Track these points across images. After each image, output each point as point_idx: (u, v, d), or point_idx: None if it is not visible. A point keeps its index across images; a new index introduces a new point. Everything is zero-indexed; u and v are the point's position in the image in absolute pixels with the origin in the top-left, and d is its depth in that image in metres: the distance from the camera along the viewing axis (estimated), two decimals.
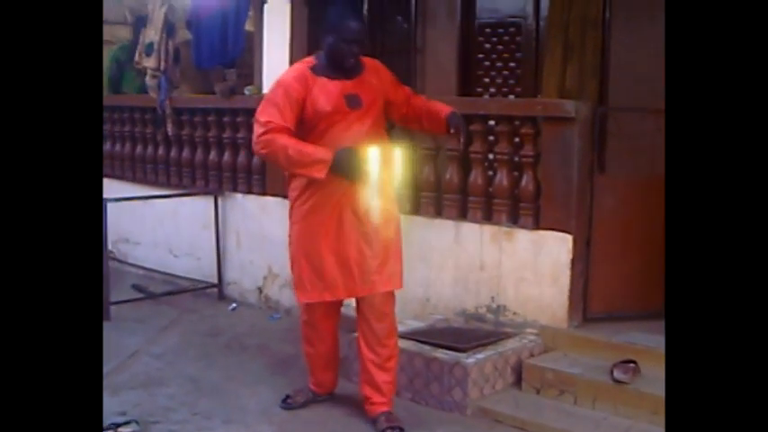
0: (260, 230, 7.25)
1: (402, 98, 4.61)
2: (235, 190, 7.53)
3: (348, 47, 4.29)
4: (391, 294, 4.50)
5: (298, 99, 4.29)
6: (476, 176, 5.90)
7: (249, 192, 7.41)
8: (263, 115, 4.25)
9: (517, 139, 5.77)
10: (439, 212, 6.05)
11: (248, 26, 7.42)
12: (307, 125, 4.32)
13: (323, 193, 4.33)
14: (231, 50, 7.23)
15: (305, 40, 6.89)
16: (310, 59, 4.44)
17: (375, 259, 4.35)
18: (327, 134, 4.32)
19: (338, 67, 4.35)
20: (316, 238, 4.38)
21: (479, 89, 6.82)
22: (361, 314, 4.50)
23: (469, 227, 5.82)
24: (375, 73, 4.48)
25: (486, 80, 6.87)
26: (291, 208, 4.53)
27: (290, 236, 4.56)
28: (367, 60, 4.50)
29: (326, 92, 4.31)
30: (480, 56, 6.88)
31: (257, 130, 4.26)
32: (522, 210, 5.64)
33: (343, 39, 4.27)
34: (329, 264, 4.35)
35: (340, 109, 4.32)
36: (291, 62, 6.76)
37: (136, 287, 7.69)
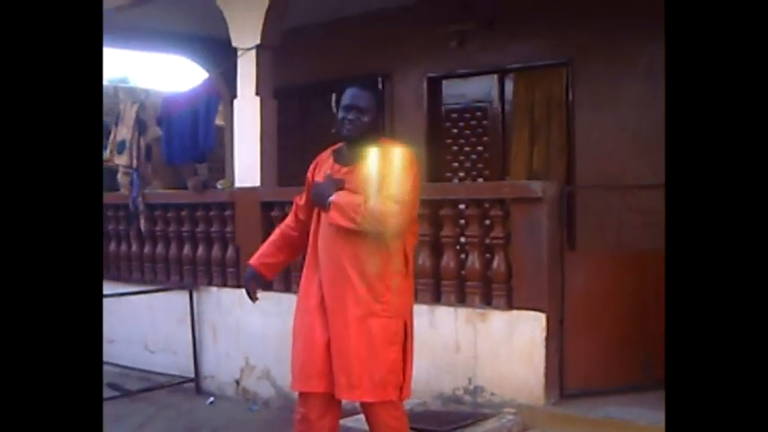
0: (236, 323, 7.26)
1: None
2: (210, 283, 7.55)
3: (344, 113, 4.10)
4: (385, 405, 4.10)
5: (308, 181, 4.33)
6: (448, 260, 5.93)
7: (224, 285, 7.45)
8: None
9: (487, 222, 5.84)
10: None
11: (218, 121, 7.55)
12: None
13: (311, 265, 4.27)
14: (202, 146, 7.37)
15: (274, 132, 7.01)
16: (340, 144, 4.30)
17: (357, 358, 4.03)
18: (318, 226, 4.25)
19: (348, 144, 4.17)
20: (302, 320, 4.21)
21: (449, 174, 6.96)
22: (366, 419, 4.22)
23: (444, 310, 5.84)
24: (384, 160, 4.06)
25: (455, 164, 7.02)
26: None
27: None
28: (388, 145, 4.15)
29: (323, 174, 4.23)
30: (448, 141, 7.06)
31: None
32: (495, 291, 5.68)
33: (342, 105, 4.12)
34: (307, 350, 4.15)
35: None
36: (262, 155, 6.89)
37: (111, 385, 7.64)
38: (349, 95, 4.11)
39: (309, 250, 4.26)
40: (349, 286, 4.05)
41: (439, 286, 5.98)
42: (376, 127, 4.16)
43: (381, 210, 3.97)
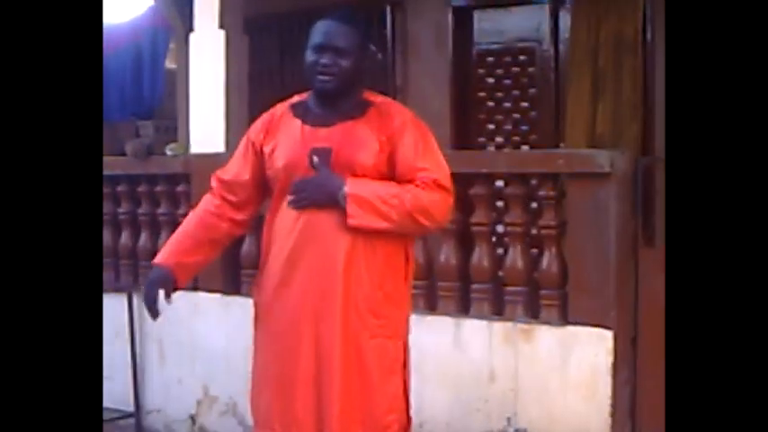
0: (191, 338, 7.20)
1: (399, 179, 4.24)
2: None
3: (316, 55, 4.15)
4: None
5: (255, 146, 4.37)
6: (480, 256, 5.94)
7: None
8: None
9: (534, 205, 5.91)
10: (432, 306, 6.10)
11: (169, 63, 7.45)
12: (269, 188, 4.36)
13: (275, 273, 4.33)
14: (147, 97, 7.27)
15: (245, 79, 6.99)
16: (305, 94, 4.40)
17: (347, 395, 4.14)
18: (281, 210, 4.30)
19: (320, 98, 4.26)
20: (273, 347, 4.35)
21: (481, 139, 6.93)
22: None
23: (474, 325, 5.87)
24: (383, 121, 4.23)
25: (491, 126, 6.98)
26: None
27: None
28: (381, 101, 4.32)
29: (291, 139, 4.27)
30: (481, 94, 7.00)
31: None
32: (545, 299, 5.71)
33: (311, 46, 4.17)
34: (285, 387, 4.26)
35: (299, 167, 4.23)
36: (228, 110, 6.94)
37: None
38: (322, 31, 4.15)
39: (269, 253, 4.33)
40: (336, 298, 4.15)
41: (467, 292, 6.00)
42: (360, 77, 4.23)
43: (431, 200, 4.12)
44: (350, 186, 4.09)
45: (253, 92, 6.95)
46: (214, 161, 6.52)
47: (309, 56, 4.14)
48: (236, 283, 6.89)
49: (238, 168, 4.41)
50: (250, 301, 5.92)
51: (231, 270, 6.85)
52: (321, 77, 4.14)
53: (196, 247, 4.44)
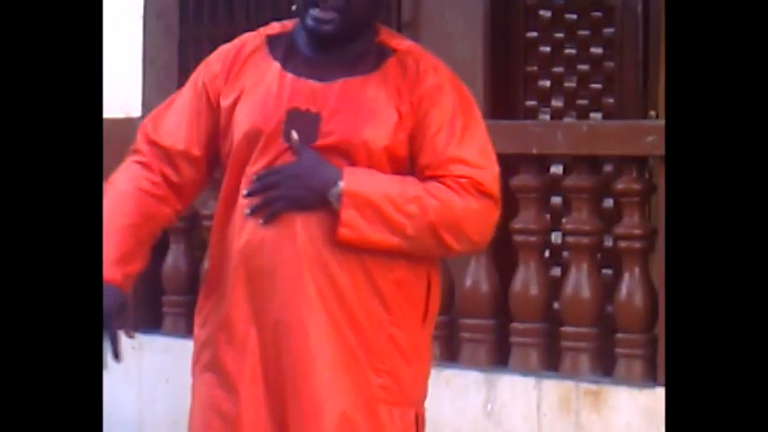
0: None
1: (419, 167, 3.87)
2: None
3: None
4: None
5: (210, 95, 3.90)
6: (526, 280, 5.72)
7: None
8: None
9: (610, 203, 5.96)
10: (453, 354, 5.90)
11: None
12: (222, 161, 3.98)
13: (227, 301, 3.88)
14: None
15: (172, 12, 6.94)
16: (289, 22, 3.97)
17: None
18: (238, 210, 3.83)
19: (313, 38, 3.82)
20: (221, 410, 3.89)
21: (531, 102, 7.05)
22: None
23: (515, 383, 5.66)
24: (407, 79, 3.79)
25: (545, 83, 7.11)
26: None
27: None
28: (407, 48, 3.87)
29: (261, 92, 3.82)
30: (531, 34, 7.11)
31: None
32: (622, 346, 5.49)
33: None
34: None
35: (272, 140, 3.76)
36: (145, 58, 6.97)
37: None
38: None
39: (220, 269, 3.95)
40: (323, 342, 3.78)
41: (505, 333, 5.79)
42: (377, 6, 3.84)
43: (467, 210, 3.69)
44: (348, 180, 3.64)
45: (182, 30, 6.66)
46: (126, 126, 6.33)
47: None
48: (154, 316, 6.65)
49: (186, 132, 3.88)
50: (175, 343, 6.22)
51: (147, 296, 6.59)
52: (317, 12, 3.65)
53: (138, 248, 3.96)
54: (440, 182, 3.68)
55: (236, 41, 3.97)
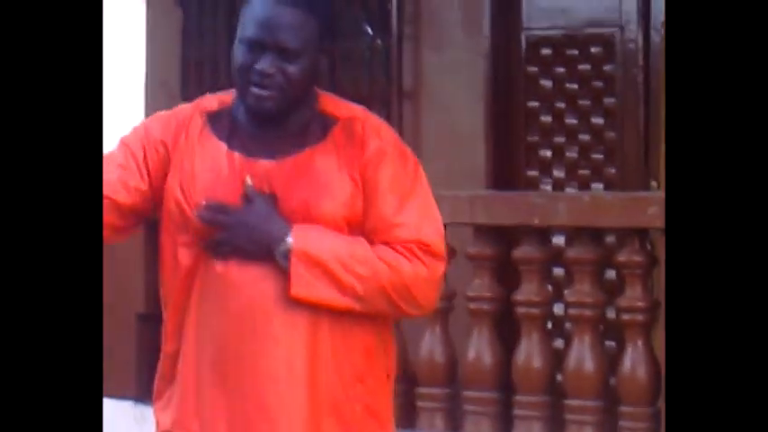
0: None
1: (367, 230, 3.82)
2: None
3: (249, 56, 3.63)
4: None
5: (162, 151, 3.77)
6: (529, 352, 5.82)
7: None
8: None
9: (613, 274, 6.01)
10: (456, 426, 5.97)
11: None
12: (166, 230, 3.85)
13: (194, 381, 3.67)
14: None
15: (176, 67, 6.69)
16: (226, 96, 3.85)
17: None
18: (190, 293, 3.70)
19: (251, 112, 3.73)
20: None
21: (532, 172, 7.02)
22: None
23: None
24: (354, 146, 3.74)
25: (547, 154, 7.06)
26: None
27: None
28: (348, 114, 3.79)
29: (214, 175, 3.76)
30: (533, 104, 7.10)
31: None
32: (626, 419, 5.62)
33: (243, 38, 3.66)
34: None
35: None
36: (149, 102, 6.89)
37: None
38: (259, 17, 3.68)
39: (185, 341, 3.75)
40: (284, 417, 3.64)
41: (508, 407, 5.86)
42: (315, 78, 3.77)
43: (415, 275, 3.66)
44: (297, 237, 3.61)
45: (186, 86, 6.72)
46: None
47: (239, 54, 3.65)
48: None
49: (135, 182, 3.80)
50: (143, 410, 6.28)
51: (149, 366, 6.20)
52: (256, 91, 3.62)
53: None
54: (388, 246, 3.66)
55: (178, 114, 3.89)
